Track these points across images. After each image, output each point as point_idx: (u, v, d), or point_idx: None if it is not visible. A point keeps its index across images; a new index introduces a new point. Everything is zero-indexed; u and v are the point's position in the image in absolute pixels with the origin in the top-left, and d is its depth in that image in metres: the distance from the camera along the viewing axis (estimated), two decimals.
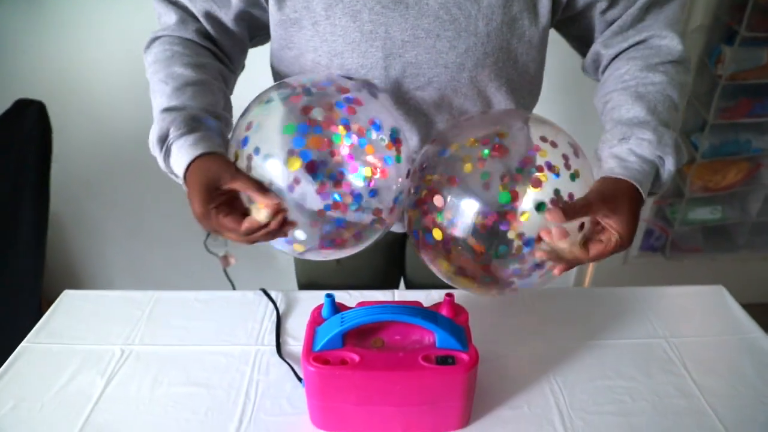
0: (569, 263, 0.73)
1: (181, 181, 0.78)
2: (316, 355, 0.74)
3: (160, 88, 0.82)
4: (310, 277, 1.21)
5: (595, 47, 0.89)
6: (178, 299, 1.08)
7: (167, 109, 0.79)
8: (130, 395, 0.87)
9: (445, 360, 0.73)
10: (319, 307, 0.82)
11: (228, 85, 0.91)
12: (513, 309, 1.05)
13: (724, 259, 2.28)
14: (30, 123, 1.32)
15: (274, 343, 0.97)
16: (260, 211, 0.71)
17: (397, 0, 0.78)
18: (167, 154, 0.79)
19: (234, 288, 2.03)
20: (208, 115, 0.80)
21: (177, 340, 0.98)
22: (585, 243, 0.72)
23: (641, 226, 2.20)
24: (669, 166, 0.77)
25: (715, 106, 1.84)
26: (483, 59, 0.82)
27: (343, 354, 0.74)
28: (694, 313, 1.07)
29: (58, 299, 1.07)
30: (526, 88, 0.90)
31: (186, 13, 0.87)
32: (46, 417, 0.83)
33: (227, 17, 0.87)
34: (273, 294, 1.08)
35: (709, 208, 2.13)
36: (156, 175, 1.97)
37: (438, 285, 1.07)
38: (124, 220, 2.13)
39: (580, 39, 0.93)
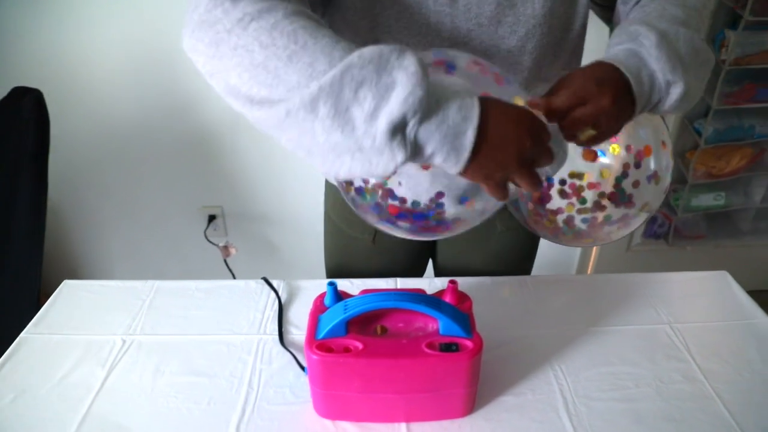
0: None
1: (467, 142, 0.57)
2: (320, 343, 0.73)
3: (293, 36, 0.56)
4: (340, 262, 1.20)
5: (617, 7, 0.88)
6: (179, 288, 1.07)
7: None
8: (132, 385, 0.87)
9: (449, 347, 0.72)
10: (322, 296, 0.81)
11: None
12: (517, 296, 1.05)
13: (727, 245, 2.27)
14: (27, 111, 1.31)
15: (276, 332, 0.96)
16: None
17: None
18: (422, 109, 0.55)
19: (234, 278, 2.03)
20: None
21: (178, 329, 0.98)
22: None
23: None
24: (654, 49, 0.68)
25: (718, 91, 1.82)
26: (541, 39, 0.82)
27: (347, 342, 0.73)
28: (698, 299, 1.06)
29: (57, 289, 1.07)
30: (575, 55, 0.91)
31: None
32: (46, 408, 0.82)
33: None
34: (275, 283, 1.07)
35: (713, 195, 2.11)
36: (154, 164, 2.00)
37: (468, 271, 1.08)
38: (124, 209, 2.12)
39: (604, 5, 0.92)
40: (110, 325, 0.98)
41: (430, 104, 0.55)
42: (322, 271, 1.26)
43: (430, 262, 1.26)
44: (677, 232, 2.19)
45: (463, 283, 1.03)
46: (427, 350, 0.72)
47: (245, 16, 0.57)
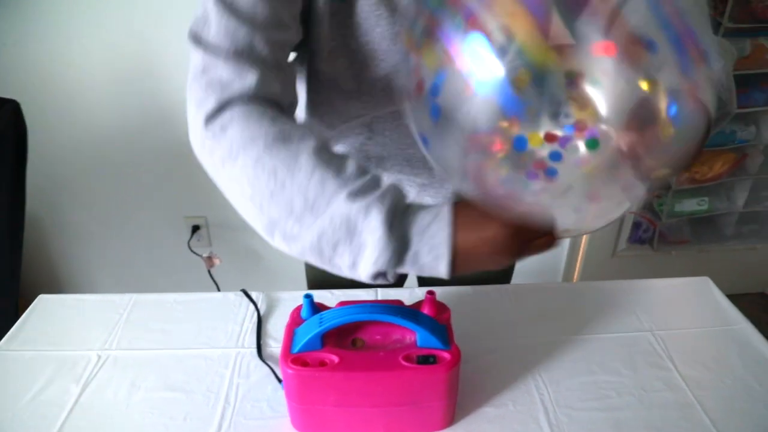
0: None
1: (441, 270, 0.61)
2: (295, 357, 0.72)
3: (286, 161, 0.61)
4: (320, 275, 1.17)
5: None
6: (157, 301, 1.06)
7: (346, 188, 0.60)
8: (107, 402, 0.85)
9: (426, 359, 0.71)
10: (299, 308, 0.80)
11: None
12: (497, 305, 1.04)
13: (711, 250, 2.28)
14: (4, 122, 1.30)
15: (254, 345, 0.95)
16: None
17: None
18: (397, 260, 0.60)
19: (219, 289, 2.01)
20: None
21: (156, 343, 0.96)
22: None
23: (629, 218, 2.20)
24: None
25: None
26: None
27: (322, 355, 0.72)
28: (679, 306, 1.06)
29: (32, 305, 1.05)
30: None
31: (265, 68, 0.67)
32: (18, 428, 0.80)
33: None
34: (254, 295, 1.06)
35: (696, 200, 2.13)
36: (136, 174, 1.98)
37: (450, 280, 1.06)
38: (106, 220, 2.10)
39: None
40: (86, 340, 0.97)
41: (401, 254, 0.60)
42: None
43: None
44: (662, 238, 2.20)
45: (443, 292, 1.03)
46: (404, 363, 0.70)
47: (232, 149, 0.63)
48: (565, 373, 0.89)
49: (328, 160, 0.61)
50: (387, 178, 0.65)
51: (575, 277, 2.35)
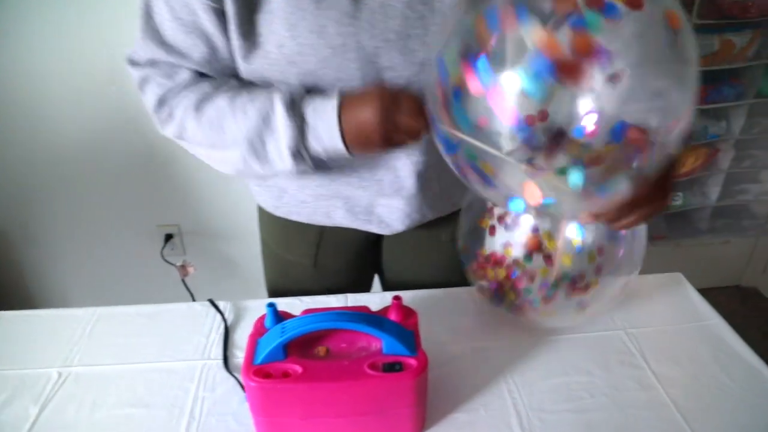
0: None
1: (332, 130, 0.76)
2: (257, 368, 0.70)
3: (213, 110, 0.80)
4: (280, 283, 1.16)
5: None
6: (121, 314, 1.03)
7: (251, 101, 0.78)
8: (67, 422, 0.82)
9: (392, 367, 0.69)
10: (262, 318, 0.78)
11: None
12: (467, 307, 1.02)
13: (687, 244, 2.29)
14: None
15: (221, 356, 0.92)
16: None
17: (361, 7, 0.75)
18: (301, 121, 0.76)
19: (193, 298, 1.97)
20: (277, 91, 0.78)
21: (119, 358, 0.93)
22: None
23: None
24: None
25: None
26: None
27: (286, 366, 0.70)
28: (652, 302, 1.05)
29: None
30: None
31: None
32: None
33: (206, 64, 0.84)
34: (222, 304, 1.03)
35: None
36: (106, 183, 1.94)
37: (415, 285, 1.06)
38: (76, 231, 2.06)
39: None
40: (46, 357, 0.93)
41: (303, 130, 0.76)
42: None
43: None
44: None
45: (412, 297, 1.01)
46: (369, 371, 0.69)
47: (180, 123, 0.83)
48: (537, 375, 0.88)
49: (240, 100, 0.79)
50: None
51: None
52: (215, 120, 0.80)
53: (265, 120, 0.76)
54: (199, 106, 0.80)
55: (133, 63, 0.84)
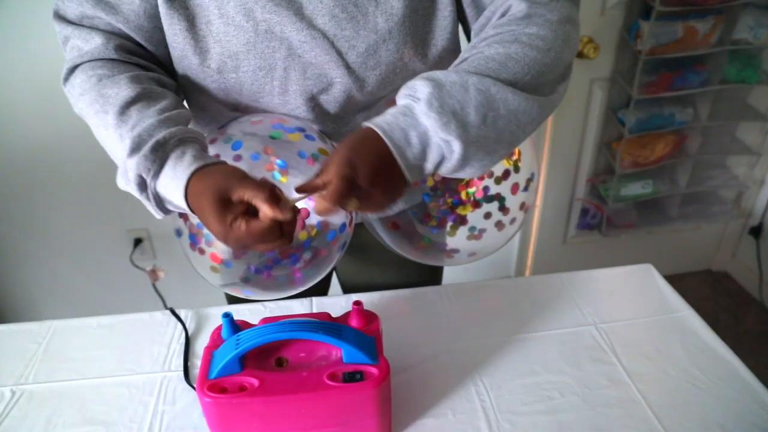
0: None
1: (189, 212, 0.67)
2: (212, 383, 0.67)
3: (100, 119, 0.71)
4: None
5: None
6: (78, 327, 0.99)
7: (129, 149, 0.67)
8: None
9: (352, 376, 0.67)
10: (219, 328, 0.75)
11: (172, 88, 0.81)
12: (434, 308, 1.00)
13: (658, 231, 2.30)
14: None
15: (182, 368, 0.89)
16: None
17: None
18: (157, 200, 0.69)
19: (164, 303, 1.93)
20: (165, 125, 0.68)
21: (75, 374, 0.90)
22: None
23: (576, 205, 2.20)
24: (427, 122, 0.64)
25: (638, 81, 1.84)
26: (387, 56, 0.76)
27: (242, 379, 0.67)
28: (623, 295, 1.04)
29: None
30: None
31: (107, 32, 0.76)
32: None
33: (134, 24, 0.76)
34: (183, 313, 1.00)
35: (641, 183, 2.13)
36: (72, 187, 1.88)
37: (372, 286, 1.03)
38: (42, 239, 2.00)
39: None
40: None
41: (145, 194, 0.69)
42: None
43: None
44: (609, 222, 2.21)
45: (377, 299, 0.99)
46: (328, 382, 0.66)
47: (78, 105, 0.76)
48: (506, 376, 0.86)
49: (128, 117, 0.70)
50: None
51: (528, 266, 2.34)
52: (102, 130, 0.72)
53: (124, 173, 0.70)
54: (94, 101, 0.72)
55: (60, 17, 0.77)
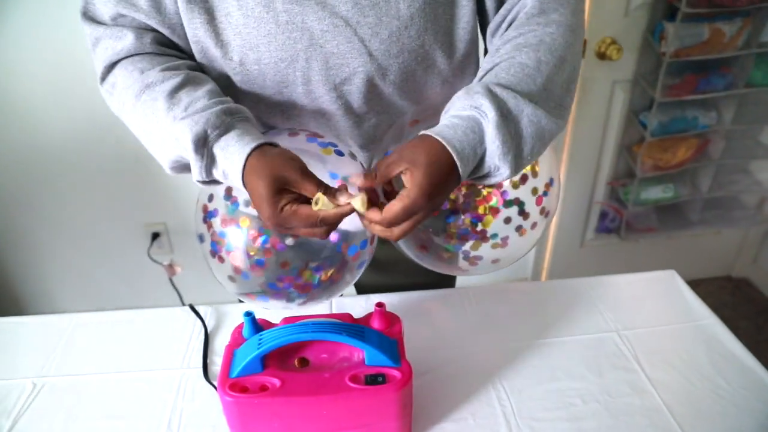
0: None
1: (237, 183, 0.68)
2: (233, 382, 0.67)
3: (149, 107, 0.72)
4: None
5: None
6: (99, 321, 1.00)
7: (183, 118, 0.69)
8: None
9: (374, 379, 0.66)
10: (240, 327, 0.75)
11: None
12: (454, 311, 0.99)
13: (678, 236, 2.27)
14: None
15: (201, 364, 0.89)
16: (356, 199, 0.64)
17: None
18: (211, 161, 0.69)
19: (180, 298, 1.94)
20: (221, 102, 0.71)
21: (96, 367, 0.90)
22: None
23: (595, 209, 2.18)
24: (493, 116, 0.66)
25: (661, 83, 1.81)
26: (409, 43, 0.75)
27: (263, 379, 0.67)
28: (645, 302, 1.02)
29: None
30: (459, 69, 0.83)
31: (139, 28, 0.77)
32: None
33: (169, 21, 0.77)
34: (202, 309, 1.00)
35: (661, 187, 2.11)
36: (93, 180, 1.89)
37: (389, 287, 1.02)
38: (61, 231, 2.02)
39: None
40: (20, 367, 0.90)
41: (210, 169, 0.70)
42: None
43: None
44: (629, 226, 2.18)
45: (397, 300, 0.98)
46: (350, 384, 0.66)
47: (120, 101, 0.77)
48: (527, 381, 0.85)
49: (177, 99, 0.71)
50: None
51: (544, 269, 2.32)
52: (150, 119, 0.74)
53: (182, 147, 0.71)
54: (139, 94, 0.74)
55: (89, 19, 0.77)
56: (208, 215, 0.78)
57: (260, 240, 0.74)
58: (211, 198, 0.79)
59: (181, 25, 0.78)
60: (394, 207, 0.64)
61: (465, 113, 0.67)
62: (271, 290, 0.77)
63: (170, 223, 2.06)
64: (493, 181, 0.70)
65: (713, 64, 1.84)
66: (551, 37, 0.72)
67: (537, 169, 0.80)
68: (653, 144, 1.97)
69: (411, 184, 0.64)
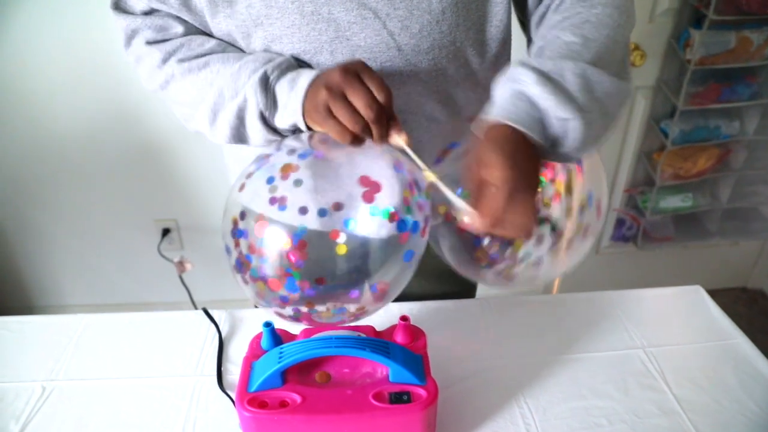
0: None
1: (298, 110, 0.68)
2: (252, 396, 0.64)
3: (201, 68, 0.75)
4: None
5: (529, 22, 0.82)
6: (109, 323, 0.98)
7: (244, 64, 0.71)
8: None
9: (399, 398, 0.64)
10: (258, 337, 0.72)
11: None
12: (476, 324, 0.96)
13: (696, 246, 2.23)
14: None
15: (215, 372, 0.87)
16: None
17: None
18: (273, 103, 0.70)
19: (190, 295, 1.92)
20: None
21: (107, 371, 0.88)
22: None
23: (611, 216, 2.14)
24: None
25: (684, 91, 1.78)
26: (440, 39, 0.73)
27: (283, 394, 0.64)
28: (672, 318, 1.00)
29: None
30: (491, 70, 0.80)
31: (175, 17, 0.78)
32: None
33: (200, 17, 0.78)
34: (216, 314, 0.98)
35: (680, 196, 2.07)
36: (104, 176, 1.88)
37: (406, 296, 0.99)
38: (72, 225, 2.01)
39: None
40: (29, 369, 0.88)
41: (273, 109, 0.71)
42: None
43: None
44: (646, 235, 2.15)
45: (416, 310, 0.95)
46: (374, 402, 0.63)
47: (173, 77, 0.77)
48: (552, 398, 0.82)
49: (229, 56, 0.74)
50: None
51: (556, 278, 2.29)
52: (207, 85, 0.75)
53: (237, 88, 0.72)
54: (199, 67, 0.75)
55: (123, 11, 0.77)
56: (237, 233, 0.72)
57: (286, 281, 0.67)
58: (243, 215, 0.71)
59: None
60: (493, 200, 0.59)
61: (505, 92, 0.63)
62: (292, 317, 0.73)
63: (181, 220, 2.05)
64: (568, 147, 0.63)
65: (738, 73, 1.81)
66: (597, 18, 0.69)
67: (572, 185, 0.77)
68: (673, 152, 1.93)
69: (489, 176, 0.59)
